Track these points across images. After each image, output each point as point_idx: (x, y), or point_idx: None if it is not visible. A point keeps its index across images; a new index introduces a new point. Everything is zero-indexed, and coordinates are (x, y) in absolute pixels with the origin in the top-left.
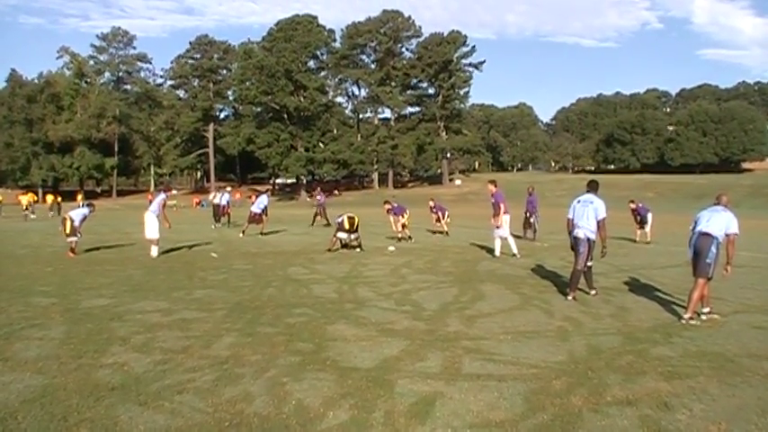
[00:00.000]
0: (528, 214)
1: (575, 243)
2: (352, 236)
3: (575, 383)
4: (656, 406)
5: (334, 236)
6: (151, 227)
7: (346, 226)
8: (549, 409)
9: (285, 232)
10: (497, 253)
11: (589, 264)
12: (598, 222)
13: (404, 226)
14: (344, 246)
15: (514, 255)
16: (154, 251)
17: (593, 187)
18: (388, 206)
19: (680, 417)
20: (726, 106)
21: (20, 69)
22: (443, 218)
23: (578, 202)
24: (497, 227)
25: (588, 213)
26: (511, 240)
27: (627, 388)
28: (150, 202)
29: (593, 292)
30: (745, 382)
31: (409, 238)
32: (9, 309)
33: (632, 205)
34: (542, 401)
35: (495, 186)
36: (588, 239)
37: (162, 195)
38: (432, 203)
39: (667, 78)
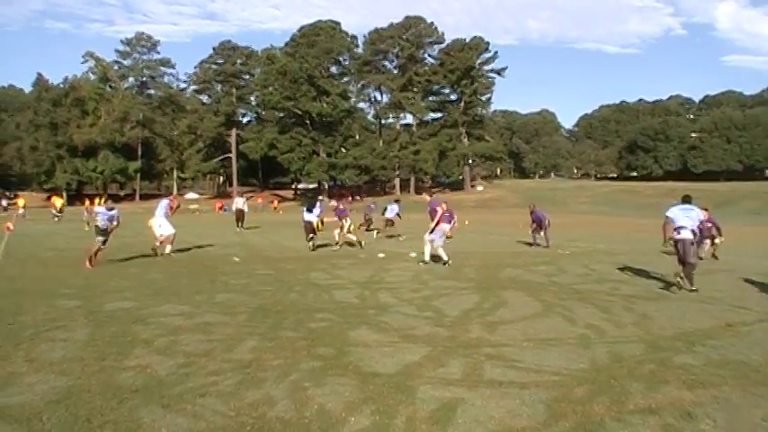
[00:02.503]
0: (533, 228)
1: (680, 244)
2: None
3: (597, 391)
4: (678, 415)
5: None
6: (164, 227)
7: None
8: (571, 417)
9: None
10: (427, 258)
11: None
12: (699, 223)
13: (348, 230)
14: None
15: (424, 261)
16: (167, 248)
17: (688, 199)
18: (333, 204)
19: (703, 427)
20: (750, 113)
21: (45, 74)
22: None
23: (680, 209)
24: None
25: (692, 217)
26: (428, 248)
27: (649, 396)
28: (171, 209)
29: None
30: None
31: (359, 243)
32: (34, 311)
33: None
34: (564, 409)
35: (431, 196)
36: (692, 240)
37: (165, 201)
38: (444, 207)
39: (691, 85)
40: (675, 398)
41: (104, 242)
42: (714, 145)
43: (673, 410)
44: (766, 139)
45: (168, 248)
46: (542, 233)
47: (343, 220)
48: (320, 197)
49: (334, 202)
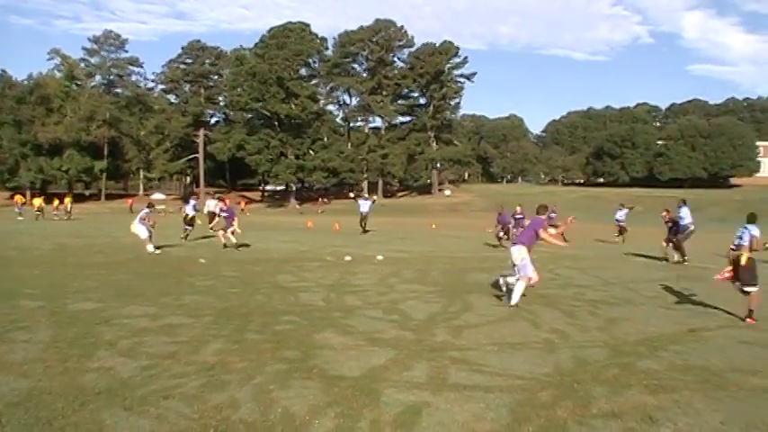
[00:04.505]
0: (498, 230)
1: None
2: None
3: (560, 395)
4: (641, 419)
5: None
6: (139, 231)
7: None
8: (535, 421)
9: (273, 239)
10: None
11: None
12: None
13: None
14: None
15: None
16: (149, 248)
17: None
18: (221, 204)
19: (665, 430)
20: (715, 122)
21: (9, 70)
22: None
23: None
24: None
25: None
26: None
27: (612, 401)
28: (131, 206)
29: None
30: (730, 397)
31: (237, 246)
32: None
33: (666, 215)
34: (528, 413)
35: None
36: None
37: (144, 212)
38: (518, 209)
39: (657, 93)
40: (638, 402)
41: None
42: (680, 152)
43: (635, 415)
44: (730, 148)
45: (150, 248)
46: (508, 237)
47: (233, 222)
48: (195, 195)
49: (216, 201)
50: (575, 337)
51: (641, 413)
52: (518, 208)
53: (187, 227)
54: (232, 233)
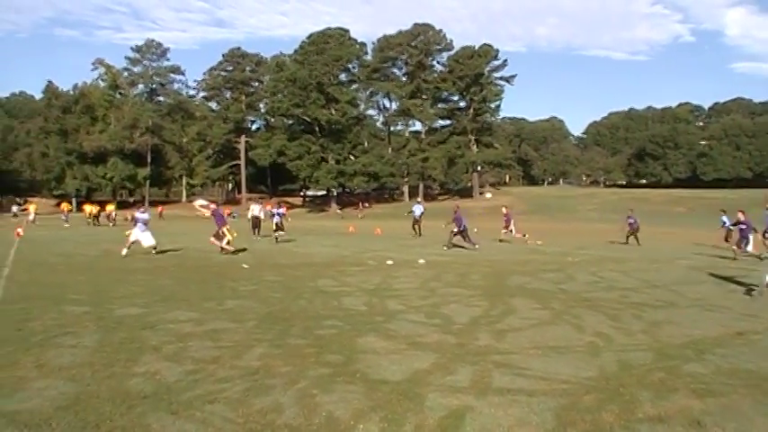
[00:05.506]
0: (456, 228)
1: None
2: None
3: (606, 399)
4: (688, 424)
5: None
6: (134, 235)
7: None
8: (580, 425)
9: (315, 244)
10: None
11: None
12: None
13: (218, 237)
14: None
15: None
16: (124, 251)
17: None
18: (210, 208)
19: None
20: (760, 120)
21: (55, 81)
22: (509, 226)
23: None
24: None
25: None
26: None
27: (658, 405)
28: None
29: None
30: None
31: (233, 251)
32: (43, 316)
33: (741, 216)
34: (573, 417)
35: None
36: None
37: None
38: (505, 210)
39: (700, 92)
40: (684, 406)
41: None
42: (723, 152)
43: (682, 419)
44: None
45: (124, 251)
46: (462, 236)
47: (223, 228)
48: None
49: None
50: (619, 340)
51: (688, 418)
52: (504, 209)
53: (279, 231)
54: (217, 237)
